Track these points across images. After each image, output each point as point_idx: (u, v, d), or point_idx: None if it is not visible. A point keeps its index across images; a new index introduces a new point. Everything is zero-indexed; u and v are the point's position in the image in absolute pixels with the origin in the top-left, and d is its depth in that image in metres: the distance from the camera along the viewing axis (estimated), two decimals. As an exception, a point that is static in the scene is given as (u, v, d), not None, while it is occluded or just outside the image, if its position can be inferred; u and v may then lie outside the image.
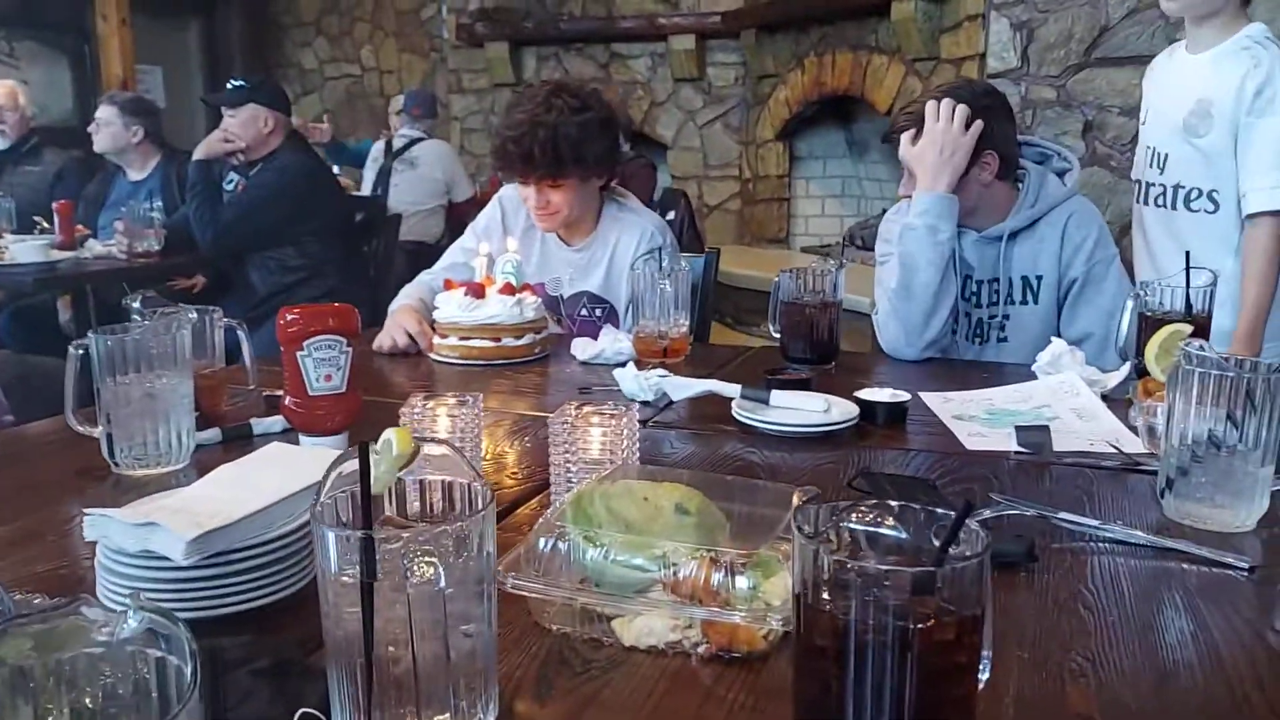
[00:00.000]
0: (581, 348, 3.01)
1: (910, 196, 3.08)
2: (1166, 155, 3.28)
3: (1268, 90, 3.07)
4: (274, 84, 6.05)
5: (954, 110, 2.96)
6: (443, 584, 1.04)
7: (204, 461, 1.96)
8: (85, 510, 1.43)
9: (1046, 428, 2.19)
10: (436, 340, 3.09)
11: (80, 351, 2.00)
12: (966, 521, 0.99)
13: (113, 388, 1.97)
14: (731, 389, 2.40)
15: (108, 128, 6.07)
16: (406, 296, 3.40)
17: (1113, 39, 5.53)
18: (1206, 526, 1.71)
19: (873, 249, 3.36)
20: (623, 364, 2.68)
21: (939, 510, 1.02)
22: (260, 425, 2.25)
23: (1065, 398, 2.45)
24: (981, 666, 1.04)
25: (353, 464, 1.08)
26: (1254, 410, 1.66)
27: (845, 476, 1.99)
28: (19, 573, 1.56)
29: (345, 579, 1.03)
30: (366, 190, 8.34)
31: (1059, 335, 2.86)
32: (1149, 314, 2.41)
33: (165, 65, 11.38)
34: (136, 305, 2.35)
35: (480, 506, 1.11)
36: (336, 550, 1.04)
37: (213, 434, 2.20)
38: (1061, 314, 3.11)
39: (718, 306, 7.46)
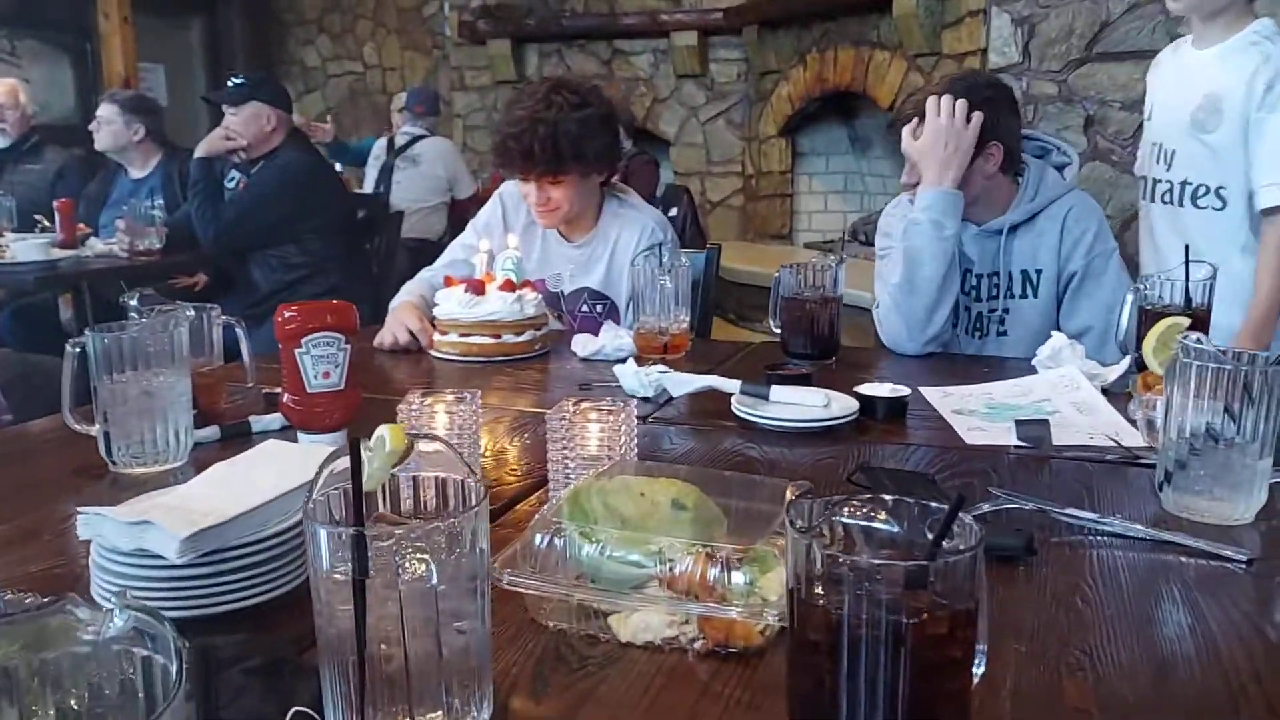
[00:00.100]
0: (582, 344, 3.00)
1: (915, 185, 3.08)
2: (1174, 151, 3.26)
3: (1279, 85, 3.06)
4: (275, 81, 6.04)
5: (954, 104, 2.96)
6: (435, 581, 1.04)
7: (202, 459, 1.94)
8: (79, 509, 1.43)
9: (1046, 422, 2.18)
10: (437, 337, 3.09)
11: (77, 350, 2.00)
12: (960, 515, 0.98)
13: (110, 386, 1.97)
14: (731, 384, 2.40)
15: (109, 126, 6.07)
16: (407, 294, 3.39)
17: (1114, 34, 5.53)
18: (1205, 519, 1.71)
19: (874, 244, 3.35)
20: (623, 360, 2.68)
21: (933, 504, 1.02)
22: (259, 423, 2.24)
23: (1065, 392, 2.45)
24: (977, 660, 1.03)
25: (346, 461, 1.07)
26: (1251, 403, 1.66)
27: (845, 471, 1.98)
28: (14, 571, 1.56)
29: (337, 576, 1.03)
30: (369, 188, 8.34)
31: (1058, 329, 2.86)
32: (1149, 307, 2.41)
33: (167, 63, 11.37)
34: (134, 303, 2.35)
35: (473, 503, 1.11)
36: (328, 547, 1.04)
37: (211, 432, 2.20)
38: (1061, 308, 3.10)
39: (721, 303, 7.47)
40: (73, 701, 0.79)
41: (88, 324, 1.92)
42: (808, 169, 9.20)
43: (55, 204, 5.83)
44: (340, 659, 1.05)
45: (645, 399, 2.47)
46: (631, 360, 2.65)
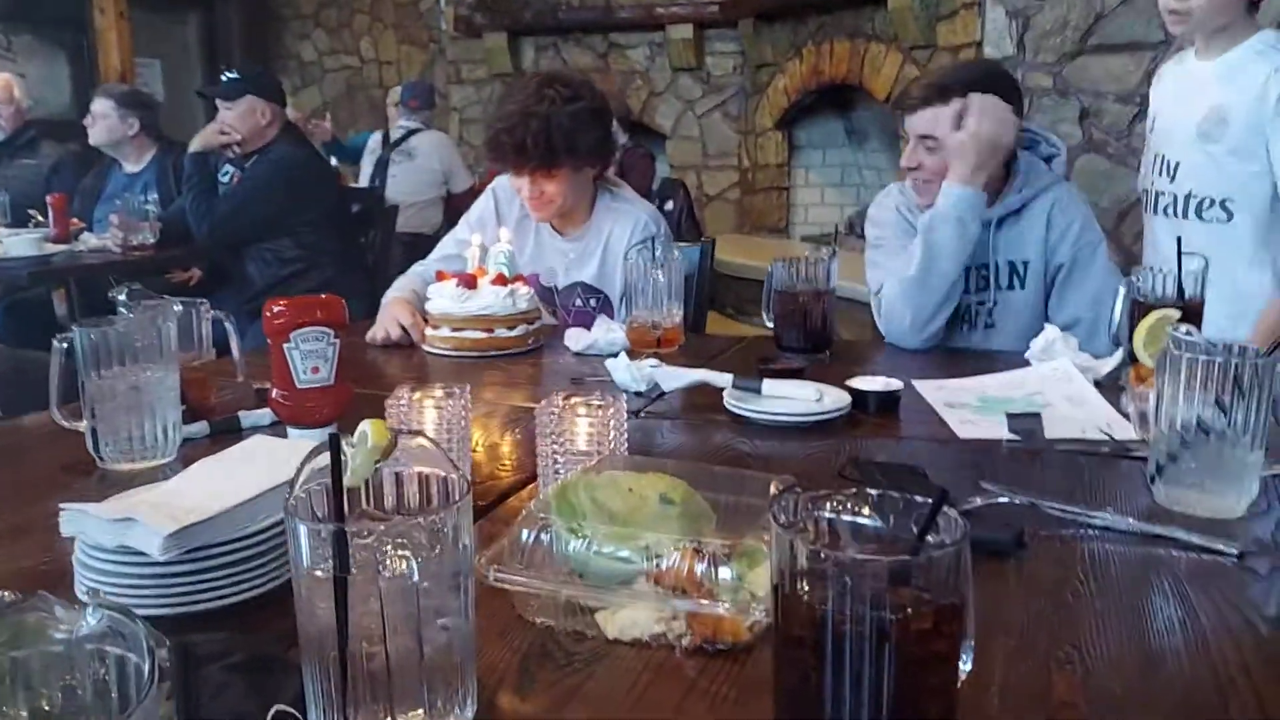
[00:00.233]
0: (574, 338, 3.00)
1: (914, 168, 3.10)
2: (1177, 163, 3.21)
3: None
4: (270, 75, 6.02)
5: (1008, 112, 2.98)
6: (416, 578, 1.04)
7: (191, 455, 1.93)
8: (61, 505, 1.42)
9: (1038, 415, 2.18)
10: (429, 332, 3.08)
11: (65, 345, 1.99)
12: (945, 510, 0.98)
13: (97, 381, 1.96)
14: (723, 379, 2.40)
15: (103, 120, 6.05)
16: (399, 289, 3.38)
17: (1108, 26, 5.53)
18: (1196, 512, 1.70)
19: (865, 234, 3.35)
20: (615, 354, 2.67)
21: (918, 499, 1.01)
22: (248, 418, 2.24)
23: (1058, 384, 2.44)
24: (964, 655, 1.03)
25: (328, 457, 1.07)
26: (1242, 396, 1.65)
27: (836, 465, 1.98)
28: (2, 569, 1.55)
29: (318, 573, 1.03)
30: (364, 181, 8.33)
31: (1047, 321, 2.86)
32: (1142, 299, 2.40)
33: (164, 58, 11.36)
34: (122, 298, 2.34)
35: (456, 498, 1.10)
36: (309, 544, 1.03)
37: (200, 427, 2.19)
38: (1049, 300, 3.10)
39: (718, 297, 7.47)
40: (44, 702, 0.78)
41: (79, 319, 1.91)
42: (804, 162, 9.21)
43: (49, 199, 5.81)
44: (322, 656, 1.04)
45: (637, 393, 2.46)
46: (624, 354, 2.64)
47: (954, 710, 1.01)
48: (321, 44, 12.47)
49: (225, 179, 5.57)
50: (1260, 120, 3.02)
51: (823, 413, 2.25)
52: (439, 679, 1.07)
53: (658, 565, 1.31)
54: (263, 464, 1.56)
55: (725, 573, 1.28)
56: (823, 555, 0.97)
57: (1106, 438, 2.09)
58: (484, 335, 2.99)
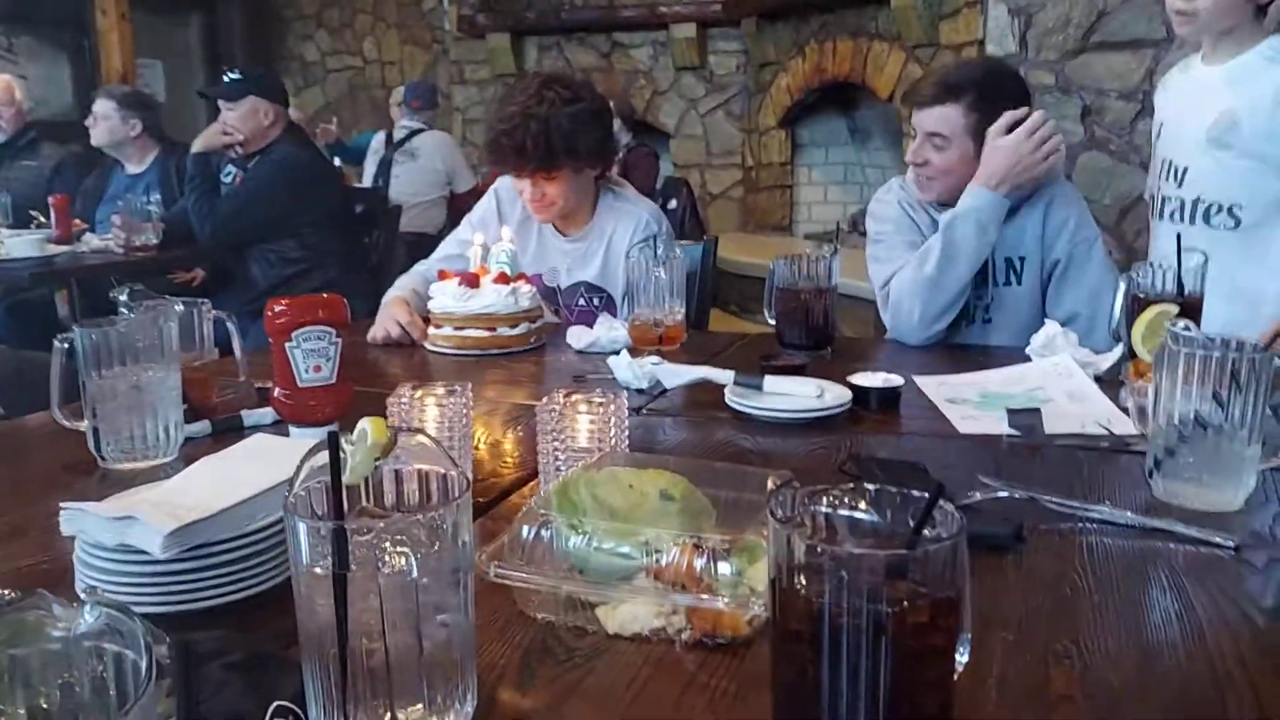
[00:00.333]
0: (577, 336, 3.00)
1: (920, 164, 3.12)
2: (1185, 169, 3.17)
3: None
4: (272, 76, 6.04)
5: (1058, 140, 3.00)
6: (415, 574, 1.04)
7: (193, 455, 1.92)
8: (62, 504, 1.43)
9: (1038, 410, 2.18)
10: (432, 330, 3.09)
11: (65, 345, 1.99)
12: (941, 504, 0.98)
13: (98, 381, 1.97)
14: (725, 376, 2.40)
15: (105, 121, 6.06)
16: (399, 288, 3.39)
17: (1110, 23, 5.53)
18: (1194, 506, 1.71)
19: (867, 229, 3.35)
20: (618, 352, 2.67)
21: (914, 493, 1.02)
22: (250, 417, 2.24)
23: (1058, 380, 2.45)
24: (961, 649, 1.03)
25: (327, 455, 1.07)
26: (1239, 390, 1.66)
27: (837, 462, 1.98)
28: (1, 568, 1.56)
29: (318, 570, 1.03)
30: (367, 182, 8.33)
31: (1044, 317, 2.87)
32: (1141, 295, 2.40)
33: (166, 59, 11.37)
34: (124, 298, 2.35)
35: (455, 496, 1.10)
36: (308, 542, 1.03)
37: (202, 427, 2.19)
38: (1046, 296, 3.11)
39: (721, 294, 7.47)
40: (42, 700, 0.79)
41: (81, 320, 1.92)
42: (807, 160, 9.22)
43: (50, 200, 5.82)
44: (321, 653, 1.04)
45: (639, 390, 2.47)
46: (625, 352, 2.64)
47: (951, 703, 1.01)
48: (324, 44, 12.47)
49: (228, 180, 5.58)
50: (1272, 126, 3.00)
51: (824, 409, 2.25)
52: (439, 675, 1.08)
53: (658, 561, 1.31)
54: (264, 462, 1.57)
55: (725, 568, 1.29)
56: (820, 550, 0.97)
57: (1106, 432, 2.09)
58: (486, 334, 3.00)
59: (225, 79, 5.46)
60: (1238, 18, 3.00)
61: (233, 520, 1.40)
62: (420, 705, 1.07)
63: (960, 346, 3.05)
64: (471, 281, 3.04)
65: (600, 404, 1.77)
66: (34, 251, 5.48)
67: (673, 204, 7.58)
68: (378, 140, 8.67)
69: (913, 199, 3.20)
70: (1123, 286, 2.47)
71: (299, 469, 1.09)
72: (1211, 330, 1.97)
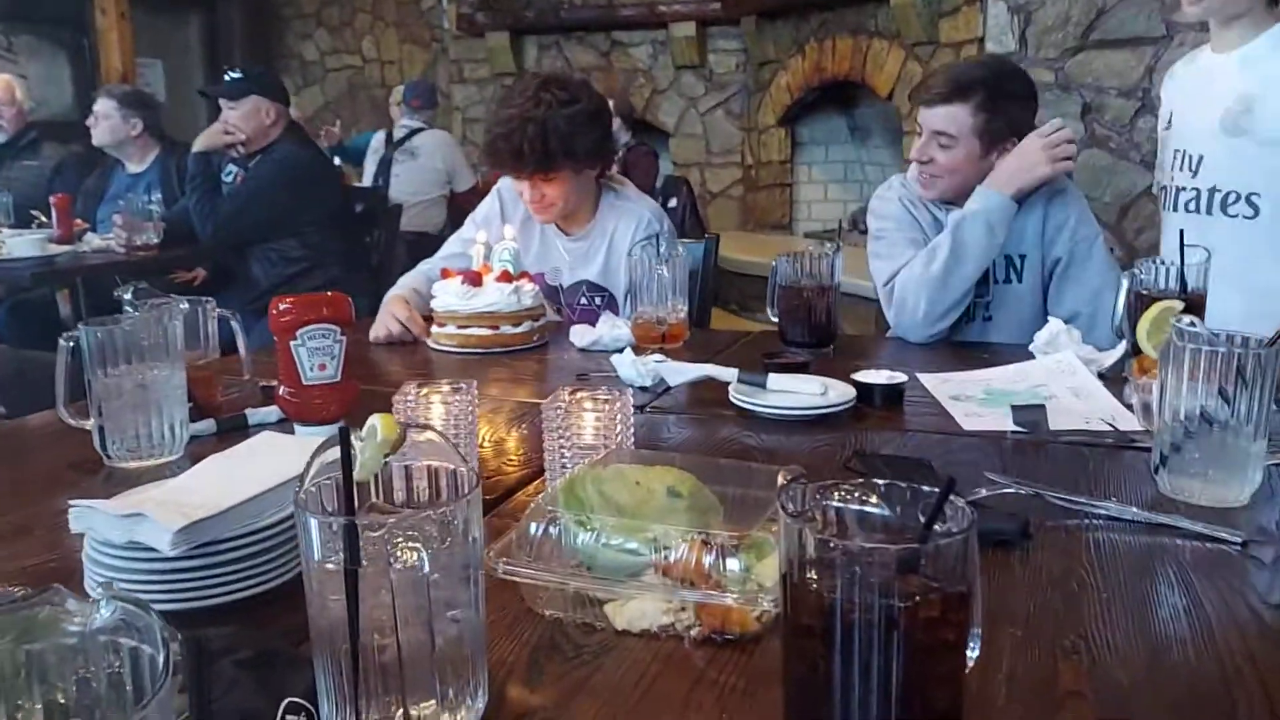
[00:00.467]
0: (579, 334, 3.00)
1: (925, 162, 3.13)
2: (1200, 157, 3.11)
3: None
4: (273, 75, 6.03)
5: (1073, 148, 3.02)
6: (427, 569, 1.04)
7: (199, 453, 1.93)
8: (70, 502, 1.43)
9: (1042, 407, 2.18)
10: (435, 329, 3.09)
11: (71, 344, 1.99)
12: (952, 498, 0.98)
13: (104, 380, 1.97)
14: (729, 373, 2.40)
15: (106, 121, 6.05)
16: (401, 286, 3.40)
17: (1109, 21, 5.53)
18: (1200, 502, 1.71)
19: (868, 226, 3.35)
20: (620, 350, 2.67)
21: (925, 488, 1.02)
22: (255, 416, 2.24)
23: (1062, 377, 2.45)
24: (971, 644, 1.03)
25: (337, 451, 1.07)
26: (1245, 385, 1.66)
27: (842, 459, 1.98)
28: (8, 566, 1.56)
29: (329, 566, 1.03)
30: (368, 181, 8.33)
31: (1045, 315, 2.87)
32: (1144, 292, 2.40)
33: (166, 58, 11.36)
34: (128, 297, 2.35)
35: (465, 491, 1.11)
36: (320, 538, 1.03)
37: (207, 425, 2.19)
38: (1048, 294, 3.12)
39: (721, 293, 7.47)
40: (59, 695, 0.79)
41: (84, 320, 1.91)
42: (807, 158, 9.22)
43: (51, 199, 5.81)
44: (333, 649, 1.04)
45: (643, 388, 2.47)
46: (629, 350, 2.64)
47: (961, 698, 1.02)
48: (323, 43, 12.47)
49: (228, 179, 5.57)
50: None
51: (828, 406, 2.25)
52: (450, 670, 1.08)
53: (666, 557, 1.31)
54: (271, 460, 1.57)
55: (733, 564, 1.29)
56: (831, 544, 0.97)
57: (1110, 429, 2.09)
58: (489, 332, 3.00)
59: (226, 78, 5.46)
60: (1249, 2, 2.98)
61: (241, 517, 1.40)
62: (433, 701, 1.07)
63: (963, 344, 3.05)
64: (474, 280, 3.04)
65: (606, 401, 1.77)
66: (35, 251, 5.47)
67: (672, 203, 7.58)
68: (377, 140, 8.67)
69: (914, 196, 3.20)
70: (1125, 283, 2.47)
71: (309, 465, 1.09)
72: (1225, 322, 1.98)
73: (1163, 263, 2.42)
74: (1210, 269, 2.42)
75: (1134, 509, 1.66)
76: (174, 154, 6.11)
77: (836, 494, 1.04)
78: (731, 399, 2.32)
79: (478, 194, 5.52)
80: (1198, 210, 3.08)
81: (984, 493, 1.73)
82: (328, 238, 5.43)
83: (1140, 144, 5.43)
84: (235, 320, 2.40)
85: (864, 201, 8.48)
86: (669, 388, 2.47)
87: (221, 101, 5.37)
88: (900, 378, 2.37)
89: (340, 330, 2.07)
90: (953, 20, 6.41)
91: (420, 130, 8.36)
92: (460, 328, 3.02)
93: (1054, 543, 1.58)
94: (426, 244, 5.30)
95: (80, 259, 5.60)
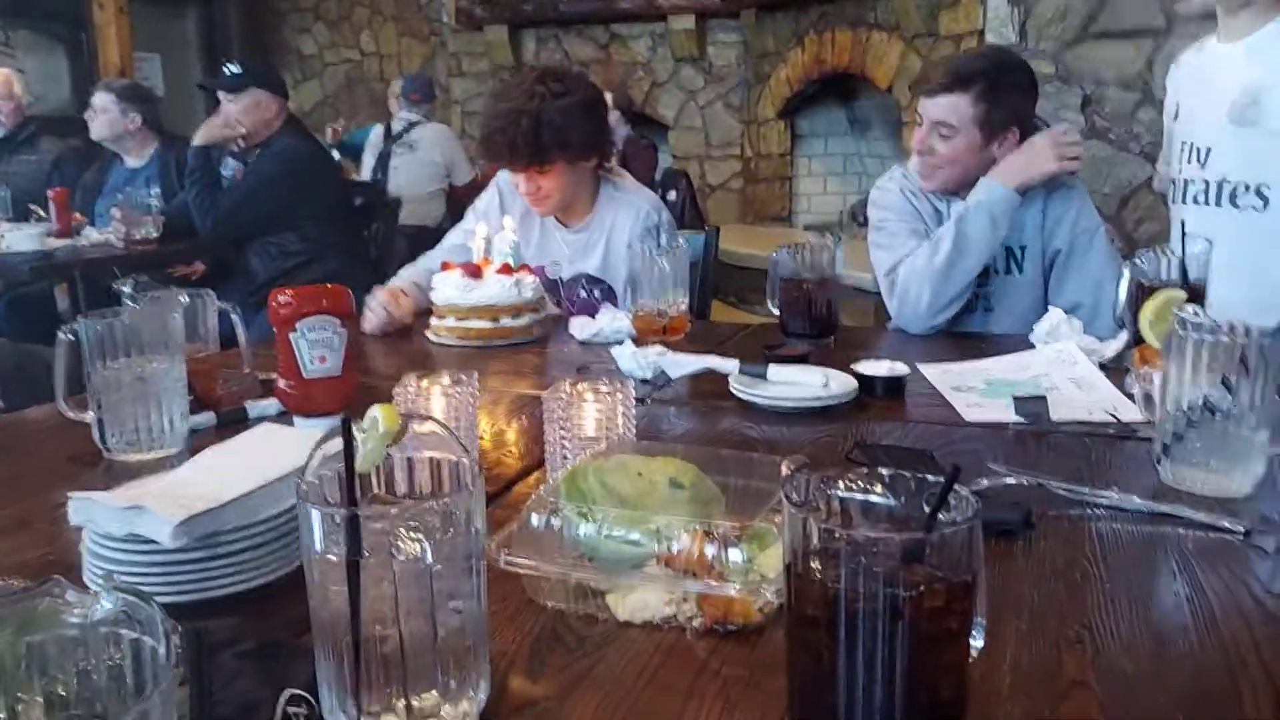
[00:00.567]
0: (580, 327, 3.00)
1: (925, 152, 3.13)
2: (1209, 149, 3.08)
3: None
4: (272, 68, 6.03)
5: (1079, 148, 3.02)
6: (429, 560, 1.04)
7: (199, 446, 1.91)
8: (70, 495, 1.42)
9: (1044, 397, 2.18)
10: (435, 321, 3.08)
11: (70, 337, 1.99)
12: (957, 488, 0.98)
13: (103, 373, 1.96)
14: (729, 365, 2.39)
15: (104, 115, 6.04)
16: (400, 279, 3.40)
17: (1109, 13, 5.53)
18: (1203, 491, 1.71)
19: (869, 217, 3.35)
20: (621, 342, 2.67)
21: (929, 477, 1.01)
22: (255, 408, 2.23)
23: (1063, 367, 2.45)
24: (975, 634, 1.03)
25: (339, 442, 1.07)
26: (1248, 375, 1.66)
27: (844, 450, 1.98)
28: (7, 560, 1.56)
29: (331, 557, 1.02)
30: (366, 175, 8.33)
31: (1045, 306, 2.87)
32: (1145, 282, 2.39)
33: (164, 53, 11.35)
34: (128, 290, 2.34)
35: (468, 483, 1.10)
36: (321, 529, 1.03)
37: (207, 418, 2.19)
38: (1049, 285, 3.13)
39: (721, 286, 7.47)
40: (60, 687, 0.78)
41: (83, 313, 1.91)
42: (807, 151, 9.21)
43: (50, 194, 5.81)
44: (334, 641, 1.04)
45: (644, 380, 2.47)
46: (629, 342, 2.64)
47: (966, 688, 1.01)
48: (321, 37, 12.46)
49: (228, 173, 5.56)
50: None
51: (830, 397, 2.24)
52: (452, 661, 1.07)
53: (668, 548, 1.31)
54: (271, 452, 1.56)
55: (735, 555, 1.28)
56: (836, 534, 0.97)
57: (1112, 419, 2.09)
58: (489, 325, 3.00)
59: (226, 71, 5.44)
60: None
61: (242, 510, 1.40)
62: (434, 692, 1.06)
63: (964, 334, 3.05)
64: (474, 273, 3.04)
65: (607, 393, 1.77)
66: (34, 245, 5.46)
67: (672, 196, 7.59)
68: (376, 133, 8.67)
69: (914, 186, 3.20)
70: (1126, 273, 2.47)
71: (311, 456, 1.08)
72: (1232, 315, 1.97)
73: (1163, 252, 2.41)
74: (1213, 260, 2.42)
75: (1136, 499, 1.66)
76: (172, 148, 6.09)
77: (840, 484, 1.04)
78: (732, 390, 2.32)
79: (476, 187, 5.51)
80: (1207, 202, 3.05)
81: (986, 483, 1.73)
82: (327, 231, 5.43)
83: (1140, 135, 5.43)
84: (235, 313, 2.40)
85: (863, 194, 8.45)
86: (670, 380, 2.47)
87: (221, 95, 5.36)
88: (901, 369, 2.37)
89: (340, 322, 2.07)
90: (952, 12, 6.40)
91: (419, 124, 8.36)
92: (460, 320, 3.02)
93: (1057, 533, 1.58)
94: (425, 237, 5.29)
95: (79, 253, 5.59)
